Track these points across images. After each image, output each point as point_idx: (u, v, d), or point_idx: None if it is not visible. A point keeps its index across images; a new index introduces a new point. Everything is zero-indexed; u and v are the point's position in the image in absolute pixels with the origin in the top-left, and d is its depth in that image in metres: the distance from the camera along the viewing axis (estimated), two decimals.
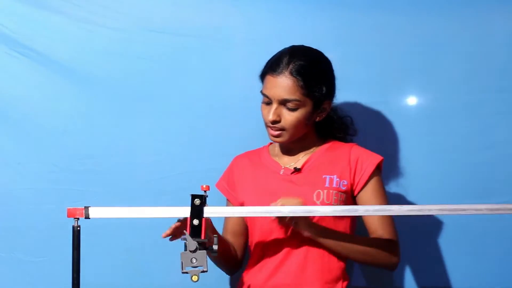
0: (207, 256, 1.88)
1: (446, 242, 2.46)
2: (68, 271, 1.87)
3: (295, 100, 2.09)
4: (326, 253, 2.11)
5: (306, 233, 2.06)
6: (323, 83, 2.13)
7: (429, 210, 1.91)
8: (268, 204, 2.01)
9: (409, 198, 2.44)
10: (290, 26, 2.49)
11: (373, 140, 2.47)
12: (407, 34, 2.49)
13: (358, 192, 2.16)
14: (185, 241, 1.90)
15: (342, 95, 2.32)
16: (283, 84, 2.08)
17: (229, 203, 2.28)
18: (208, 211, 1.92)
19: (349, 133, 2.31)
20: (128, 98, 2.47)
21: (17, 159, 2.44)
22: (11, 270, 2.42)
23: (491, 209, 1.91)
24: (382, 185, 2.20)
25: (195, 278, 1.89)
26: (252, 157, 2.26)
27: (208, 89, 2.48)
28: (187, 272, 1.89)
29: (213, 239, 1.93)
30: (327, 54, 2.24)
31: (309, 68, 2.10)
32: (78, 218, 1.87)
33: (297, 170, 2.17)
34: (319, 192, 2.13)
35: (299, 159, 2.20)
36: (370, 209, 1.96)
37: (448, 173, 2.46)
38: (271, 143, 2.28)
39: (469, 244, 2.47)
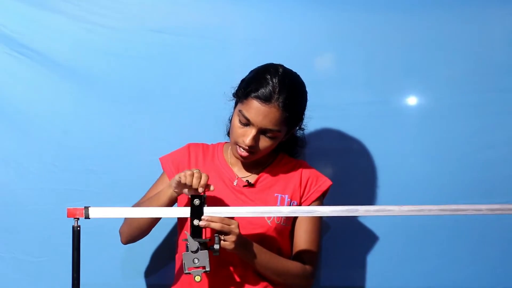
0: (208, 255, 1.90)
1: (446, 242, 2.46)
2: (68, 271, 1.87)
3: (277, 130, 2.07)
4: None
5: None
6: (302, 117, 2.15)
7: (429, 210, 1.91)
8: None
9: (409, 198, 2.44)
10: (290, 26, 2.49)
11: (373, 140, 2.48)
12: (407, 33, 2.49)
13: None
14: (186, 241, 1.91)
15: (343, 95, 2.33)
16: (271, 115, 2.04)
17: (165, 178, 2.21)
18: (208, 211, 1.92)
19: (299, 144, 2.29)
20: (128, 98, 2.47)
21: (17, 159, 2.44)
22: (11, 270, 2.42)
23: (491, 209, 1.91)
24: None
25: (198, 278, 1.89)
26: (206, 154, 2.23)
27: (208, 89, 2.48)
28: (189, 273, 1.90)
29: (214, 239, 1.93)
30: (327, 54, 2.24)
31: (296, 101, 2.08)
32: (78, 218, 1.87)
33: (250, 185, 2.17)
34: None
35: (252, 172, 2.19)
36: (371, 210, 1.95)
37: (448, 173, 2.47)
38: (226, 142, 2.26)
39: (469, 244, 2.47)
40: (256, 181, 2.17)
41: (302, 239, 2.17)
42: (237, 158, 2.15)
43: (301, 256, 2.16)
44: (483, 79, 2.48)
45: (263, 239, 2.11)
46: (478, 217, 2.34)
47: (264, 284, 2.12)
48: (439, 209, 1.91)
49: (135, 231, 2.18)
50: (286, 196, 2.16)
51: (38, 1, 2.45)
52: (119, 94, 2.47)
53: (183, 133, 2.46)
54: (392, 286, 2.47)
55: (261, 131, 2.07)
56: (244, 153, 2.10)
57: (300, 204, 2.17)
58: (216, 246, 1.92)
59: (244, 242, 2.02)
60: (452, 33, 2.48)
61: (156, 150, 2.44)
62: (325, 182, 2.20)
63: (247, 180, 2.16)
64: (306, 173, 2.19)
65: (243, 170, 2.19)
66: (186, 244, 1.90)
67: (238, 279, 2.11)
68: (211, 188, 1.98)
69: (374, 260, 2.48)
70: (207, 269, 1.89)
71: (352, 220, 2.46)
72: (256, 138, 2.07)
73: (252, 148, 2.08)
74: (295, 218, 2.18)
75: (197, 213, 1.91)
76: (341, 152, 2.48)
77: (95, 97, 2.47)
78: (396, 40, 2.49)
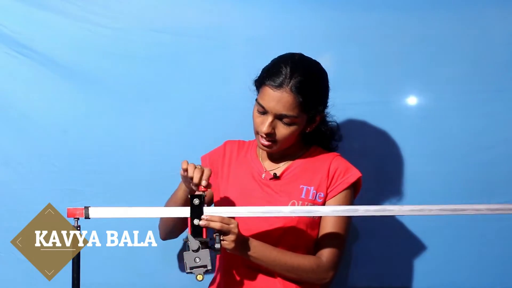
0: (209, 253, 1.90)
1: (446, 242, 2.46)
2: (68, 271, 1.87)
3: (293, 116, 2.07)
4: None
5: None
6: (321, 101, 2.13)
7: (430, 210, 1.91)
8: (243, 203, 2.09)
9: (410, 198, 2.44)
10: (290, 26, 2.49)
11: (373, 140, 2.48)
12: (407, 34, 2.49)
13: (324, 203, 2.15)
14: (187, 241, 1.91)
15: (343, 95, 2.32)
16: (283, 100, 2.05)
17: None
18: (208, 211, 1.93)
19: (335, 138, 2.28)
20: (128, 98, 2.47)
21: (17, 159, 2.44)
22: (11, 270, 2.42)
23: (491, 209, 1.91)
24: (349, 201, 2.16)
25: (200, 277, 1.89)
26: (240, 149, 2.24)
27: (208, 89, 2.48)
28: (192, 272, 1.90)
29: (215, 237, 1.94)
30: (327, 54, 2.24)
31: (310, 85, 2.07)
32: (78, 218, 1.88)
33: (276, 177, 2.16)
34: (293, 202, 2.12)
35: (280, 165, 2.19)
36: (371, 209, 1.95)
37: (448, 173, 2.46)
38: None
39: (469, 244, 2.47)
40: (282, 173, 2.17)
41: (325, 231, 2.13)
42: (262, 149, 2.15)
43: (321, 247, 2.13)
44: (483, 79, 2.48)
45: (286, 231, 2.11)
46: (478, 217, 2.33)
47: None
48: (439, 209, 1.91)
49: (166, 227, 2.24)
50: (312, 187, 2.14)
51: (38, 1, 2.45)
52: (119, 94, 2.47)
53: (183, 133, 2.46)
54: (391, 286, 2.47)
55: (277, 118, 2.07)
56: (265, 142, 2.10)
57: (326, 195, 2.15)
58: (217, 245, 1.93)
59: (245, 241, 2.02)
60: (452, 33, 2.48)
61: (155, 150, 2.45)
62: (354, 174, 2.16)
63: (274, 173, 2.16)
64: (335, 164, 2.17)
65: (273, 163, 2.19)
66: (187, 243, 1.90)
67: (265, 273, 2.11)
68: (208, 186, 1.98)
69: (373, 260, 2.48)
70: (209, 268, 1.89)
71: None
72: (272, 125, 2.08)
73: (270, 136, 2.09)
74: None
75: (197, 212, 1.91)
76: (341, 152, 2.47)
77: (95, 97, 2.47)
78: (396, 40, 2.49)
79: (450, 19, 2.48)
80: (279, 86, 2.05)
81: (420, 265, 2.46)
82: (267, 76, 2.08)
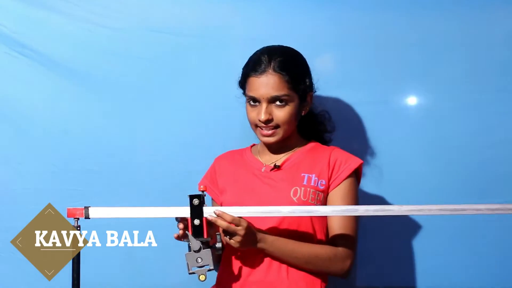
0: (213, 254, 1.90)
1: (446, 242, 2.46)
2: (68, 271, 1.87)
3: (284, 95, 2.09)
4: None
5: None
6: (306, 75, 2.16)
7: (429, 210, 1.91)
8: (247, 202, 2.07)
9: (409, 198, 2.44)
10: (290, 26, 2.49)
11: (373, 140, 2.48)
12: (407, 33, 2.49)
13: (329, 192, 2.15)
14: (188, 242, 1.90)
15: (343, 95, 2.32)
16: (270, 81, 2.09)
17: (213, 201, 2.27)
18: (207, 211, 1.92)
19: (328, 129, 2.31)
20: (128, 98, 2.48)
21: (17, 159, 2.44)
22: (11, 270, 2.42)
23: (491, 209, 1.91)
24: (354, 188, 2.16)
25: (202, 277, 1.89)
26: (234, 157, 2.26)
27: (208, 89, 2.48)
28: (194, 273, 1.89)
29: (216, 237, 1.93)
30: (327, 54, 2.23)
31: (290, 62, 2.12)
32: (78, 218, 1.88)
33: (276, 167, 2.17)
34: (296, 189, 2.12)
35: (280, 157, 2.20)
36: (370, 209, 1.95)
37: (448, 173, 2.46)
38: (253, 145, 2.29)
39: (469, 244, 2.47)
40: (283, 163, 2.17)
41: (335, 221, 2.13)
42: (265, 143, 2.16)
43: (334, 238, 2.12)
44: (483, 79, 2.48)
45: (290, 220, 2.10)
46: (478, 217, 2.33)
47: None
48: (439, 209, 1.91)
49: None
50: (313, 175, 2.14)
51: (38, 1, 2.45)
52: (119, 94, 2.47)
53: (183, 133, 2.46)
54: (391, 286, 2.47)
55: (271, 101, 2.10)
56: (268, 131, 2.12)
57: (329, 185, 2.15)
58: (219, 245, 1.92)
59: (253, 240, 2.01)
60: (452, 33, 2.48)
61: (155, 149, 2.45)
62: (356, 161, 2.16)
63: (274, 164, 2.17)
64: (335, 154, 2.17)
65: (273, 155, 2.20)
66: (188, 244, 1.90)
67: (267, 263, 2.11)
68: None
69: (372, 260, 2.48)
70: (211, 267, 1.89)
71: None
72: (269, 111, 2.10)
73: (270, 122, 2.10)
74: (326, 197, 2.14)
75: (197, 212, 1.91)
76: None
77: (95, 97, 2.47)
78: (396, 40, 2.49)
79: (450, 19, 2.48)
80: (263, 71, 2.09)
81: (420, 265, 2.46)
82: (249, 69, 2.13)
